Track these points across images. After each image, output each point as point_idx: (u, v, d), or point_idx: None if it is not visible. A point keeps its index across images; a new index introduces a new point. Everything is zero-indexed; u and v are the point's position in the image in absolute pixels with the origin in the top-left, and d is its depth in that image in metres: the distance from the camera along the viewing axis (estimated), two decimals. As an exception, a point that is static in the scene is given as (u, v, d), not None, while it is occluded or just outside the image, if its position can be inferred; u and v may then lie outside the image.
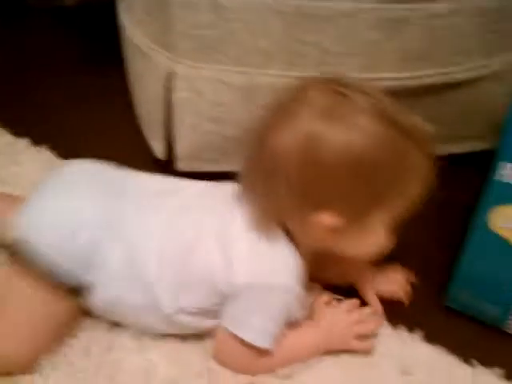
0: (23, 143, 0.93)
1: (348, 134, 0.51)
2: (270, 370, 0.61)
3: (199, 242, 0.59)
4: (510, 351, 0.65)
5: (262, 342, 0.58)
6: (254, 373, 0.61)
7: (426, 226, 0.79)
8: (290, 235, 0.58)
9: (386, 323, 0.67)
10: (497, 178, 0.57)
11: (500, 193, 0.57)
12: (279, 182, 0.53)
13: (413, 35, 0.71)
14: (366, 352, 0.63)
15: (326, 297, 0.66)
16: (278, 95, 0.57)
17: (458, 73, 0.75)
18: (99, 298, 0.61)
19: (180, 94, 0.76)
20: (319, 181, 0.52)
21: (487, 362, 0.63)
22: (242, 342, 0.58)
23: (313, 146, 0.51)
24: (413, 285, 0.71)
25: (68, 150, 0.90)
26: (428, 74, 0.74)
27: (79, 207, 0.60)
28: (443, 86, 0.76)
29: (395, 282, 0.70)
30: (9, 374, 0.59)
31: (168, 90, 0.78)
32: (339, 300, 0.66)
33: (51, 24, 1.34)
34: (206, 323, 0.62)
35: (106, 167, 0.67)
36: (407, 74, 0.74)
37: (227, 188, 0.61)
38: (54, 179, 0.65)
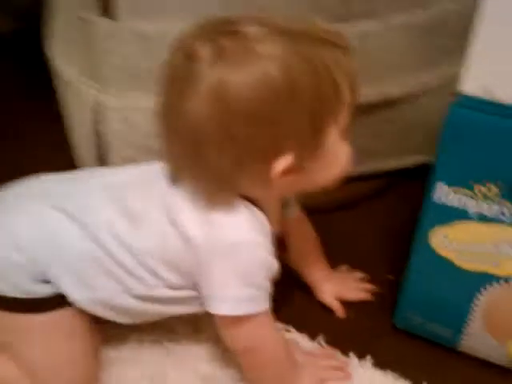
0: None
1: (253, 68, 0.45)
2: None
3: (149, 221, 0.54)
4: (464, 372, 0.64)
5: (256, 307, 0.54)
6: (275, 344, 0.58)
7: (374, 246, 0.79)
8: (248, 200, 0.53)
9: (335, 351, 0.65)
10: (433, 198, 0.56)
11: (437, 213, 0.56)
12: (209, 153, 0.48)
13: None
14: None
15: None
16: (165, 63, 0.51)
17: (393, 89, 0.75)
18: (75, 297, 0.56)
19: (110, 127, 0.73)
20: (249, 131, 0.47)
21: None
22: (241, 320, 0.54)
23: (222, 98, 0.46)
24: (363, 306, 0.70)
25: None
26: (365, 93, 0.73)
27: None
28: (381, 103, 0.75)
29: (353, 283, 0.72)
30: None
31: (97, 123, 0.75)
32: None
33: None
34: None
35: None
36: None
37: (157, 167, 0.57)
38: None
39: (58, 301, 0.56)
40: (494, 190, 0.52)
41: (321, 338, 0.67)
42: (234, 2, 0.59)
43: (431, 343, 0.66)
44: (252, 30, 0.47)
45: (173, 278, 0.55)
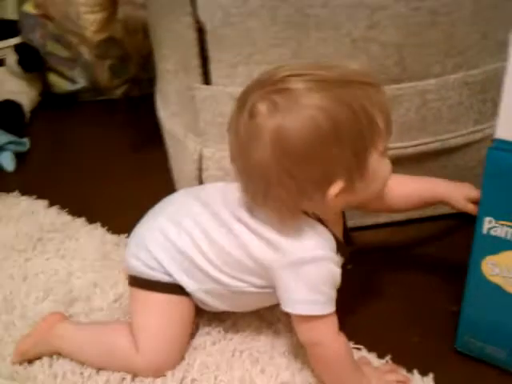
0: (79, 222, 1.07)
1: (302, 117, 0.57)
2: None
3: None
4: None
5: (312, 311, 0.65)
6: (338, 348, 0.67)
7: (441, 281, 0.87)
8: (314, 216, 0.65)
9: (399, 368, 0.73)
10: (482, 231, 0.65)
11: (486, 244, 0.65)
12: (275, 189, 0.61)
13: (408, 109, 0.82)
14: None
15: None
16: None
17: (451, 139, 0.84)
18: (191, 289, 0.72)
19: (209, 173, 0.88)
20: (303, 169, 0.59)
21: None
22: (308, 318, 0.65)
23: (280, 143, 0.58)
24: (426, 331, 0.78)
25: (119, 226, 1.02)
26: (424, 142, 0.84)
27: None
28: (439, 152, 0.85)
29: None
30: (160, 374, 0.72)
31: (199, 170, 0.90)
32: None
33: (100, 114, 1.52)
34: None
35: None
36: (406, 144, 0.84)
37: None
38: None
39: (175, 288, 0.72)
40: (533, 222, 0.61)
41: (388, 357, 0.75)
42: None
43: (490, 366, 0.72)
44: (298, 86, 0.58)
45: (257, 281, 0.69)
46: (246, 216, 0.68)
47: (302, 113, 0.58)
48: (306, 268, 0.65)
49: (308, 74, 0.60)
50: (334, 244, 0.67)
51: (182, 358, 0.74)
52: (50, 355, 0.76)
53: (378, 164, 0.63)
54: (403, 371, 0.73)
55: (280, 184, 0.60)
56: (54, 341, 0.76)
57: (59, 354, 0.76)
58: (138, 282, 0.74)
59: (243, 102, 0.62)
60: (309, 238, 0.65)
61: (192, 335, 0.78)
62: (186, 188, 0.83)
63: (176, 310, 0.73)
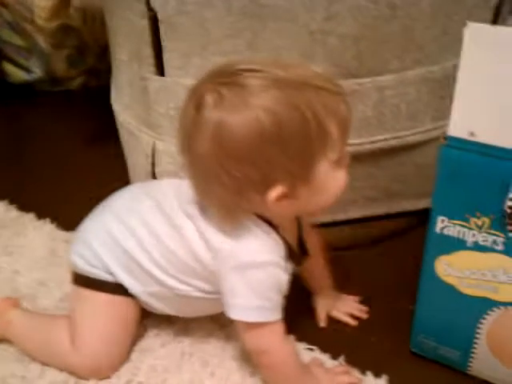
0: (28, 217, 1.02)
1: (245, 115, 0.54)
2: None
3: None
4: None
5: (270, 317, 0.63)
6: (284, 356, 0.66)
7: (397, 280, 0.85)
8: (264, 220, 0.62)
9: (353, 369, 0.72)
10: (435, 230, 0.63)
11: (439, 244, 0.64)
12: (214, 184, 0.58)
13: (366, 105, 0.80)
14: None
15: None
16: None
17: (409, 136, 0.83)
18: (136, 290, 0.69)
19: (162, 168, 0.85)
20: (240, 169, 0.56)
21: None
22: (253, 325, 0.63)
23: (219, 138, 0.55)
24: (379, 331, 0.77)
25: (69, 222, 0.98)
26: (382, 139, 0.82)
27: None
28: (397, 149, 0.84)
29: (350, 306, 0.80)
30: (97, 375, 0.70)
31: (152, 165, 0.87)
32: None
33: (56, 105, 1.47)
34: None
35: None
36: (364, 140, 0.82)
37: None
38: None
39: (118, 288, 0.69)
40: (486, 221, 0.60)
41: (342, 358, 0.73)
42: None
43: (444, 367, 0.72)
44: (252, 82, 0.55)
45: (203, 286, 0.66)
46: (196, 213, 0.65)
47: (247, 111, 0.55)
48: (251, 272, 0.62)
49: (264, 71, 0.56)
50: (283, 250, 0.64)
51: (123, 360, 0.72)
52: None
53: (328, 174, 0.60)
54: (356, 373, 0.71)
55: (218, 180, 0.58)
56: (3, 325, 0.74)
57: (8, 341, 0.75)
58: (81, 280, 0.71)
59: (193, 93, 0.59)
60: (256, 241, 0.62)
61: (139, 337, 0.75)
62: (141, 182, 0.79)
63: (117, 310, 0.70)
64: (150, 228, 0.67)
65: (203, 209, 0.64)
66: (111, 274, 0.69)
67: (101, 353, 0.69)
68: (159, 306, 0.71)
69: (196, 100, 0.58)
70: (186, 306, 0.71)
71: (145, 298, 0.69)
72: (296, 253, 0.67)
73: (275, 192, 0.57)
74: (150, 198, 0.70)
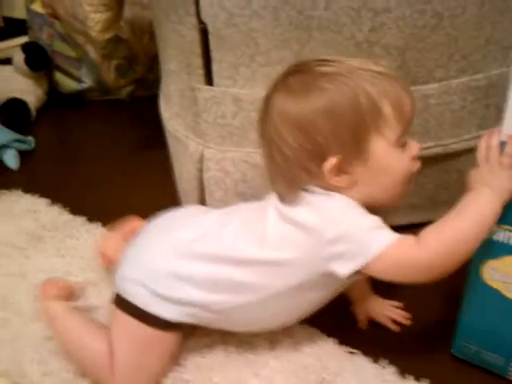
0: (80, 220, 1.07)
1: (309, 96, 0.63)
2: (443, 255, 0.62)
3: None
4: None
5: (388, 238, 0.61)
6: (434, 267, 0.62)
7: (442, 286, 0.86)
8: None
9: (394, 371, 0.73)
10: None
11: (486, 249, 0.64)
12: (278, 156, 0.65)
13: (410, 114, 0.81)
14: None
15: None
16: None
17: (453, 144, 0.84)
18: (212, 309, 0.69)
19: (210, 174, 0.88)
20: (296, 138, 0.63)
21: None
22: (387, 251, 0.61)
23: (282, 116, 0.64)
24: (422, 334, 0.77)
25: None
26: (426, 147, 0.83)
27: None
28: (441, 157, 0.84)
29: (391, 311, 0.80)
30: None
31: (200, 171, 0.90)
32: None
33: (106, 114, 1.52)
34: None
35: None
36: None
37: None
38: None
39: (166, 324, 0.69)
40: (532, 228, 0.60)
41: (383, 362, 0.74)
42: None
43: (485, 372, 0.72)
44: (318, 69, 0.64)
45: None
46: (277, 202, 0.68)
47: (309, 94, 0.63)
48: (351, 221, 0.63)
49: (336, 61, 0.65)
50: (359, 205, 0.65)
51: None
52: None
53: (387, 152, 0.63)
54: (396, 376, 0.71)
55: (279, 152, 0.64)
56: (47, 314, 0.77)
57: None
58: (128, 307, 0.69)
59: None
60: (343, 202, 0.64)
61: (189, 335, 0.77)
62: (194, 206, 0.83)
63: (160, 346, 0.70)
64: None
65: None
66: (173, 301, 0.68)
67: (137, 382, 0.70)
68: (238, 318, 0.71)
69: (268, 89, 0.67)
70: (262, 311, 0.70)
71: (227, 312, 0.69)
72: None
73: (329, 163, 0.62)
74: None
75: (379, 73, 0.63)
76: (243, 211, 0.73)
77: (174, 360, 0.73)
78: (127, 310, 0.70)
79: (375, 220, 0.63)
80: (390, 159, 0.64)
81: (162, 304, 0.68)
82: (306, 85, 0.63)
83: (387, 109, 0.62)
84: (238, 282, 0.67)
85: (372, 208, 0.66)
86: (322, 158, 0.63)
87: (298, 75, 0.65)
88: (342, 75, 0.62)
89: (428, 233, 0.62)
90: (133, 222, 0.89)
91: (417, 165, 0.66)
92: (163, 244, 0.72)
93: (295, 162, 0.64)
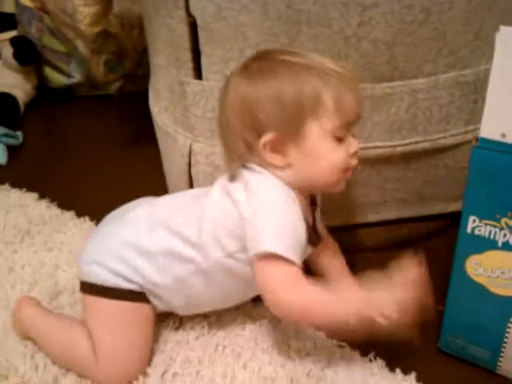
0: (68, 215, 1.06)
1: (262, 80, 0.67)
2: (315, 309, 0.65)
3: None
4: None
5: (283, 251, 0.63)
6: (308, 310, 0.65)
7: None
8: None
9: (381, 364, 0.73)
10: (465, 230, 0.64)
11: (470, 243, 0.65)
12: (229, 133, 0.70)
13: (398, 108, 0.81)
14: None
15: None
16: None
17: (441, 139, 0.84)
18: (161, 287, 0.72)
19: (198, 168, 0.88)
20: (247, 114, 0.67)
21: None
22: (270, 260, 0.63)
23: (237, 94, 0.68)
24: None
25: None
26: (414, 142, 0.83)
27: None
28: (429, 152, 0.85)
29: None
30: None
31: (189, 165, 0.90)
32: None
33: (95, 109, 1.52)
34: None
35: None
36: (396, 143, 0.83)
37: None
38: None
39: (134, 294, 0.71)
40: (517, 221, 0.61)
41: (371, 355, 0.75)
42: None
43: (473, 366, 0.73)
44: (279, 57, 0.68)
45: (231, 244, 0.69)
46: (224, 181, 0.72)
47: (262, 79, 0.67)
48: (266, 207, 0.66)
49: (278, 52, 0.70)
50: (286, 188, 0.68)
51: (146, 364, 0.73)
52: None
53: (320, 140, 0.66)
54: (385, 370, 0.71)
55: (229, 128, 0.69)
56: (22, 324, 0.77)
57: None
58: (95, 289, 0.72)
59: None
60: (272, 185, 0.68)
61: (175, 329, 0.77)
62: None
63: (134, 317, 0.72)
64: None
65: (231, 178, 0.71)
66: (130, 281, 0.71)
67: (124, 364, 0.71)
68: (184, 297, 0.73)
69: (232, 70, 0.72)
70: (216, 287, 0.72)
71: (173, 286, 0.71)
72: (311, 230, 0.71)
73: (265, 138, 0.66)
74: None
75: (334, 70, 0.66)
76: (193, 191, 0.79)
77: (154, 336, 0.75)
78: (93, 291, 0.72)
79: (288, 230, 0.65)
80: (323, 147, 0.66)
81: (118, 277, 0.71)
82: (261, 69, 0.68)
83: (328, 101, 0.65)
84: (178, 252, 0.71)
85: (310, 192, 0.72)
86: (260, 133, 0.66)
87: (259, 61, 0.69)
88: (298, 65, 0.66)
89: (312, 288, 0.64)
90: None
91: (354, 162, 0.69)
92: (113, 225, 0.76)
93: (238, 134, 0.68)
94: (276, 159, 0.67)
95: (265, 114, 0.66)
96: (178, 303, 0.74)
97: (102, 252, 0.73)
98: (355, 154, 0.69)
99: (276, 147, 0.67)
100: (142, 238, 0.72)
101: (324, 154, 0.67)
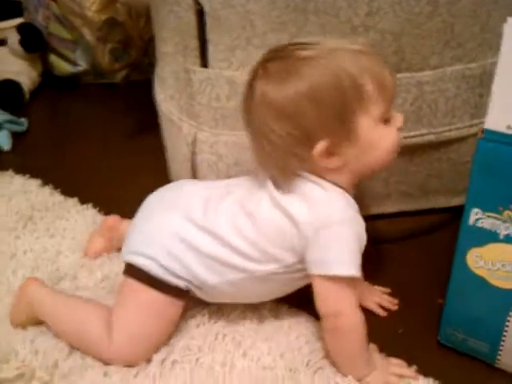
0: (71, 202, 1.06)
1: (290, 82, 0.62)
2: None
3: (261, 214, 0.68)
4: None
5: (347, 271, 0.63)
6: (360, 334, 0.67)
7: (430, 274, 0.86)
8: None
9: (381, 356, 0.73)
10: (468, 222, 0.64)
11: (472, 236, 0.65)
12: (266, 144, 0.65)
13: (404, 100, 0.81)
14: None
15: None
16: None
17: (446, 132, 0.84)
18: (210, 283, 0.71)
19: (202, 157, 0.88)
20: (283, 126, 0.63)
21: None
22: (333, 280, 0.64)
23: (265, 103, 0.63)
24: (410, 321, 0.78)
25: (111, 207, 1.01)
26: (419, 134, 0.83)
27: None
28: (433, 145, 0.85)
29: (379, 296, 0.81)
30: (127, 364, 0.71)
31: (193, 153, 0.89)
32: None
33: (100, 97, 1.52)
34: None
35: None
36: (402, 135, 0.83)
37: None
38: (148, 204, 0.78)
39: (179, 292, 0.71)
40: (520, 214, 0.61)
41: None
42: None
43: (472, 359, 0.72)
44: (297, 53, 0.63)
45: (288, 257, 0.68)
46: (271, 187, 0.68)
47: (287, 78, 0.63)
48: (337, 228, 0.64)
49: (316, 45, 0.65)
50: (350, 201, 0.67)
51: (154, 352, 0.73)
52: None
53: (374, 130, 0.64)
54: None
55: (267, 140, 0.64)
56: (33, 303, 0.76)
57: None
58: (139, 275, 0.71)
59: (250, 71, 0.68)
60: (337, 200, 0.66)
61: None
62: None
63: (166, 311, 0.72)
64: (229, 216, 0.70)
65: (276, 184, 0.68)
66: (180, 277, 0.70)
67: (137, 351, 0.71)
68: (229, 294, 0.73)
69: (249, 76, 0.67)
70: (259, 288, 0.72)
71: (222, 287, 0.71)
72: None
73: (319, 147, 0.63)
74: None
75: (357, 51, 0.64)
76: (239, 191, 0.73)
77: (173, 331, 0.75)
78: (137, 277, 0.71)
79: (358, 249, 0.65)
80: (378, 135, 0.65)
81: (168, 273, 0.70)
82: (285, 71, 0.63)
83: (369, 86, 0.62)
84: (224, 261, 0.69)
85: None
86: (311, 143, 0.63)
87: (278, 61, 0.64)
88: (321, 57, 0.63)
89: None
90: (111, 220, 0.92)
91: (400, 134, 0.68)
92: (164, 218, 0.73)
93: (285, 150, 0.64)
94: (333, 162, 0.65)
95: (309, 122, 0.62)
96: (223, 299, 0.75)
97: (151, 245, 0.71)
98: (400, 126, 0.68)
99: (331, 152, 0.64)
100: (192, 235, 0.70)
101: (379, 141, 0.65)
